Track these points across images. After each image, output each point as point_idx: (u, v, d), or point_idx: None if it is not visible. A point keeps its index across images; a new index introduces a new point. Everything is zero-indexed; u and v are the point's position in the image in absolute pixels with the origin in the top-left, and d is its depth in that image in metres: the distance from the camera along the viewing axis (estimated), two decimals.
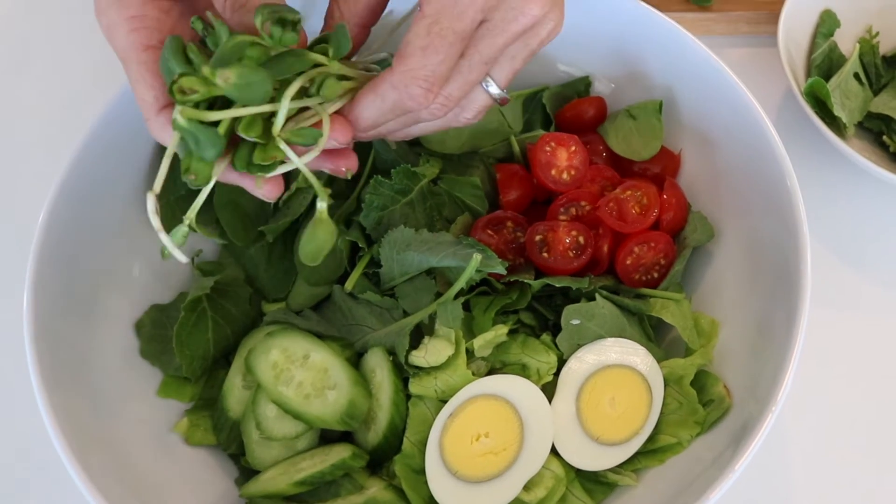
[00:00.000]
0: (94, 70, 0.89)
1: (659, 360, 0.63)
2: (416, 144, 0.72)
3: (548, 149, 0.69)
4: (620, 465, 0.62)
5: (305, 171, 0.52)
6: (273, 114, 0.50)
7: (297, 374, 0.61)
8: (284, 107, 0.50)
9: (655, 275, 0.67)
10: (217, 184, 0.54)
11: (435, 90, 0.52)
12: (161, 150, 0.67)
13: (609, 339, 0.63)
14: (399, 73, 0.51)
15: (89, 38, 0.91)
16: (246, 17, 0.52)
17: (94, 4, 0.53)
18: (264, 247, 0.70)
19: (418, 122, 0.56)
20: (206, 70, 0.47)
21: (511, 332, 0.64)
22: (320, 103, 0.53)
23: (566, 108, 0.75)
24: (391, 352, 0.62)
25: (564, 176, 0.68)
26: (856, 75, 0.82)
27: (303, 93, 0.52)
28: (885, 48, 0.86)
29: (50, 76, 0.90)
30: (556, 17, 0.54)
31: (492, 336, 0.62)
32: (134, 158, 0.68)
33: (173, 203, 0.69)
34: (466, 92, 0.54)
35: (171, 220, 0.69)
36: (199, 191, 0.64)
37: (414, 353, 0.61)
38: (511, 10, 0.51)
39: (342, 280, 0.67)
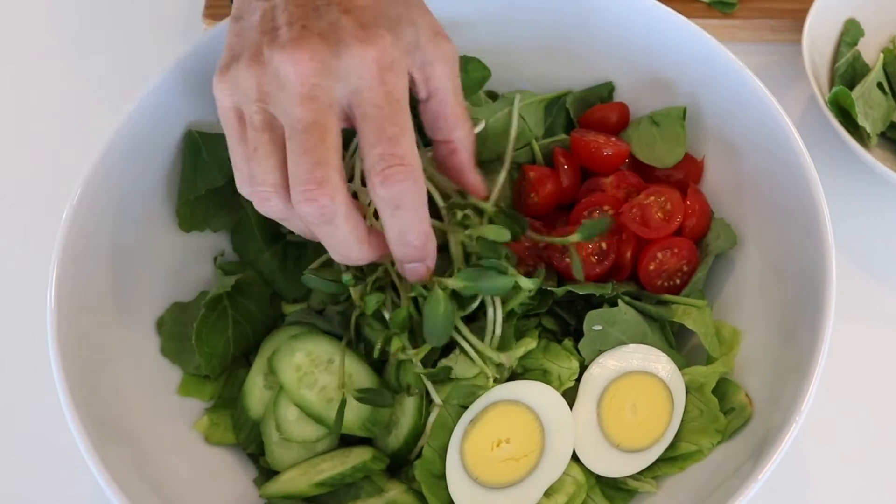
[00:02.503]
0: (118, 72, 0.90)
1: (680, 368, 0.63)
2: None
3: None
4: (640, 472, 0.62)
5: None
6: None
7: (320, 378, 0.61)
8: None
9: (678, 281, 0.67)
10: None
11: None
12: (183, 152, 0.68)
13: (631, 345, 0.63)
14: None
15: (115, 38, 0.92)
16: None
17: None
18: (278, 251, 0.70)
19: None
20: None
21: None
22: None
23: (588, 113, 0.75)
24: None
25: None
26: (879, 85, 0.82)
27: None
28: None
29: (74, 77, 0.90)
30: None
31: (521, 352, 0.61)
32: (156, 159, 0.68)
33: (193, 202, 0.69)
34: None
35: (191, 219, 0.70)
36: (218, 189, 0.66)
37: (443, 361, 0.61)
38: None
39: None
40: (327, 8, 0.51)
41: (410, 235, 0.54)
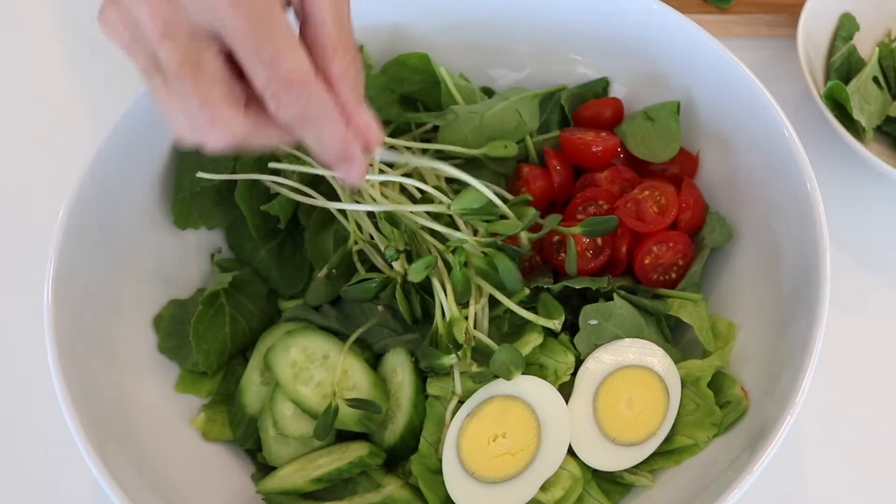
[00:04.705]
0: (114, 70, 0.89)
1: (676, 362, 0.63)
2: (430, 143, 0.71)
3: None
4: (637, 466, 0.62)
5: None
6: None
7: (315, 374, 0.61)
8: None
9: (673, 275, 0.67)
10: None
11: None
12: (178, 150, 0.68)
13: (626, 339, 0.63)
14: None
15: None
16: None
17: None
18: (273, 249, 0.70)
19: None
20: None
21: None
22: None
23: (583, 108, 0.75)
24: (412, 352, 0.63)
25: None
26: (875, 79, 0.82)
27: None
28: None
29: (71, 76, 0.90)
30: None
31: (529, 349, 0.62)
32: (152, 157, 0.68)
33: (189, 200, 0.69)
34: None
35: (186, 216, 0.70)
36: (213, 186, 0.65)
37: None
38: None
39: None
40: None
41: (328, 143, 0.50)
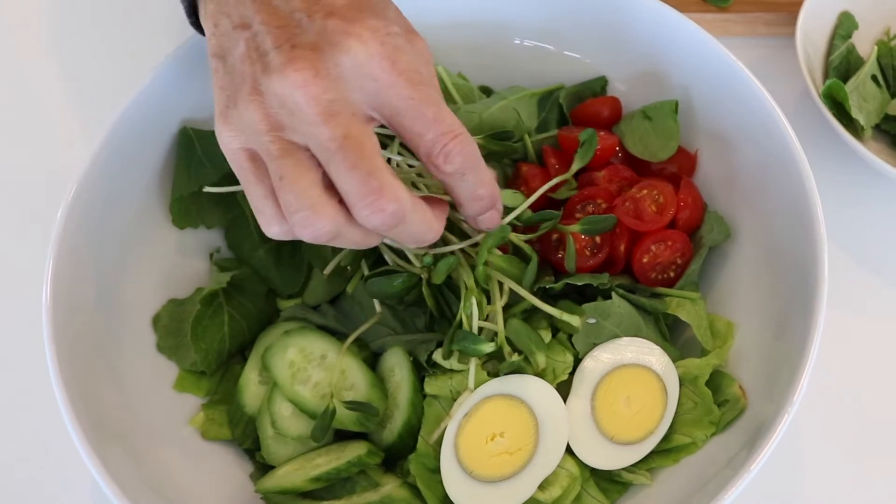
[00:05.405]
0: (113, 68, 0.90)
1: (674, 360, 0.63)
2: None
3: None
4: (635, 465, 0.62)
5: None
6: None
7: (313, 374, 0.61)
8: None
9: (672, 274, 0.67)
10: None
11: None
12: (177, 149, 0.68)
13: (625, 338, 0.63)
14: None
15: (110, 35, 0.92)
16: None
17: None
18: (272, 248, 0.70)
19: None
20: None
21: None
22: None
23: (580, 107, 0.75)
24: (411, 352, 0.63)
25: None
26: (873, 77, 0.82)
27: None
28: None
29: (69, 75, 0.90)
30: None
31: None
32: (151, 157, 0.68)
33: (187, 199, 0.69)
34: None
35: (185, 215, 0.70)
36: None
37: (439, 351, 0.61)
38: None
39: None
40: (310, 20, 0.49)
41: (480, 191, 0.54)
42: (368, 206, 0.48)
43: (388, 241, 0.64)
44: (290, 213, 0.49)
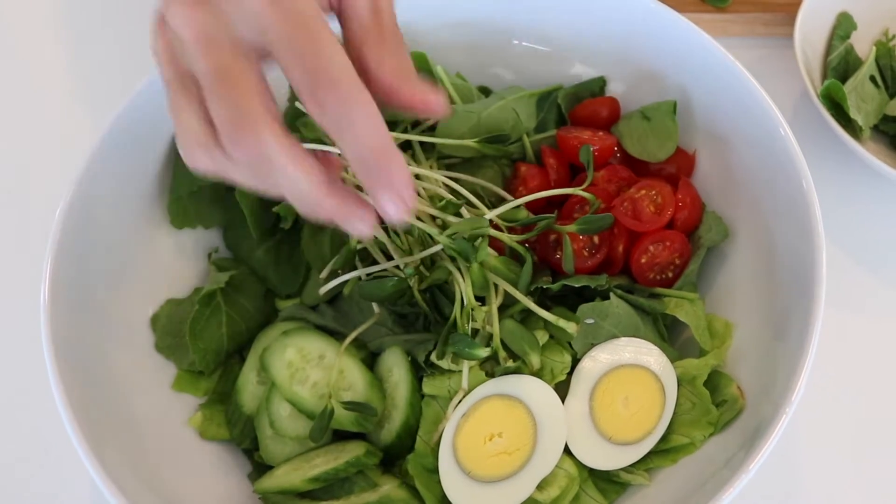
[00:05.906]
0: (113, 68, 0.90)
1: (672, 361, 0.64)
2: (429, 148, 0.71)
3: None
4: (633, 465, 0.62)
5: None
6: None
7: (312, 374, 0.61)
8: None
9: (670, 274, 0.67)
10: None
11: None
12: (175, 149, 0.68)
13: (623, 338, 0.63)
14: None
15: (109, 36, 0.92)
16: None
17: None
18: (270, 248, 0.70)
19: None
20: None
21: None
22: None
23: (579, 108, 0.75)
24: (409, 352, 0.63)
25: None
26: (872, 78, 0.82)
27: None
28: None
29: (67, 75, 0.90)
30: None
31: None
32: (149, 156, 0.68)
33: (185, 199, 0.69)
34: None
35: (183, 215, 0.70)
36: (209, 185, 0.66)
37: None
38: None
39: None
40: None
41: (366, 149, 0.46)
42: (228, 137, 0.46)
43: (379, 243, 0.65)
44: (178, 142, 0.49)
